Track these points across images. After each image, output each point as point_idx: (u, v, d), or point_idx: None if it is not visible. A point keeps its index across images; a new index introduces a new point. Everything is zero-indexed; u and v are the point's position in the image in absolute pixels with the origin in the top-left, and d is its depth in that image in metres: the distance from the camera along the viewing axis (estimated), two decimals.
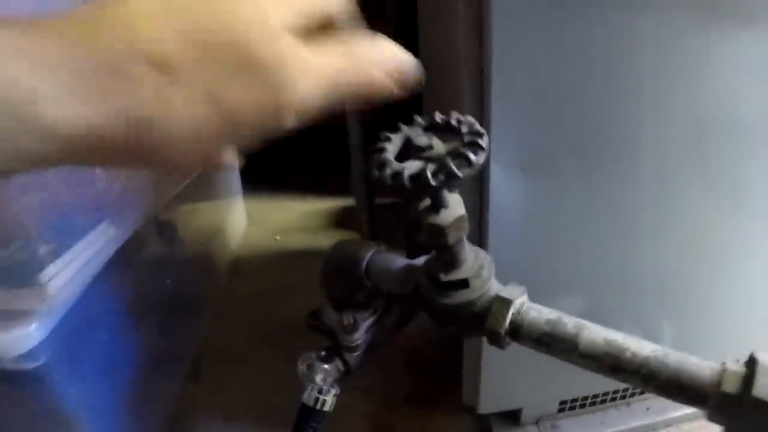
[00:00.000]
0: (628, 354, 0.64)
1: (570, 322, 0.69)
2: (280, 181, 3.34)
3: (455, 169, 0.58)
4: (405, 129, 0.66)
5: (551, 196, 1.17)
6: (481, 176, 1.10)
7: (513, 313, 0.72)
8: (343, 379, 0.97)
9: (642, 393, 1.58)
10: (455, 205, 0.68)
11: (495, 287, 0.74)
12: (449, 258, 0.71)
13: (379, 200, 2.53)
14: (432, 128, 0.66)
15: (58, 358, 1.21)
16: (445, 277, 0.71)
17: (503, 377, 1.40)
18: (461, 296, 0.72)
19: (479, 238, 1.16)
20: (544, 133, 1.12)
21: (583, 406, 1.55)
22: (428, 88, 0.66)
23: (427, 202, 0.67)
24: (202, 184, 2.49)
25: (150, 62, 0.31)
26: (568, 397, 1.50)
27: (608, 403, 1.58)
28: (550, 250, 1.22)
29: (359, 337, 0.95)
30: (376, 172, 0.60)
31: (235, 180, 2.89)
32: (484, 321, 0.72)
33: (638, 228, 1.27)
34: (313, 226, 2.86)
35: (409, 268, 0.83)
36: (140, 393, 1.59)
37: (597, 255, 1.27)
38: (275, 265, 2.59)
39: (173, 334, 1.96)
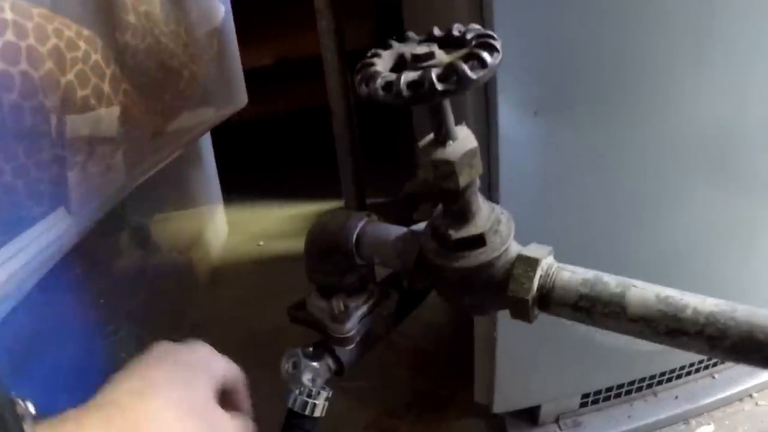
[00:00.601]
0: (688, 312, 0.53)
1: (612, 281, 0.57)
2: (261, 187, 3.26)
3: (468, 71, 0.44)
4: (397, 45, 0.52)
5: (568, 144, 1.05)
6: (489, 121, 0.97)
7: (541, 276, 0.59)
8: (335, 380, 0.84)
9: (669, 381, 1.47)
10: (465, 137, 0.54)
11: (515, 248, 0.61)
12: (460, 208, 0.58)
13: (370, 200, 2.42)
14: (429, 42, 0.52)
15: (12, 366, 1.13)
16: (456, 234, 0.58)
17: (520, 371, 1.28)
18: (477, 257, 0.59)
19: (488, 192, 1.03)
20: (559, 74, 1.00)
21: (607, 398, 1.43)
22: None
23: (430, 136, 0.55)
24: (180, 192, 2.42)
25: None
26: (591, 389, 1.39)
27: (634, 395, 1.46)
28: (565, 206, 1.10)
29: (352, 327, 0.81)
30: (363, 88, 0.48)
31: (214, 187, 2.81)
32: (505, 288, 0.59)
33: (660, 187, 1.14)
34: (296, 231, 2.74)
35: (410, 234, 0.69)
36: None
37: (617, 212, 1.16)
38: (257, 272, 2.51)
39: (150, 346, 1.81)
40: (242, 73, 2.21)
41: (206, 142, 2.64)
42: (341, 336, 0.80)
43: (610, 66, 1.02)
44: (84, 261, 1.45)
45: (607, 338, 1.26)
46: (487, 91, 0.96)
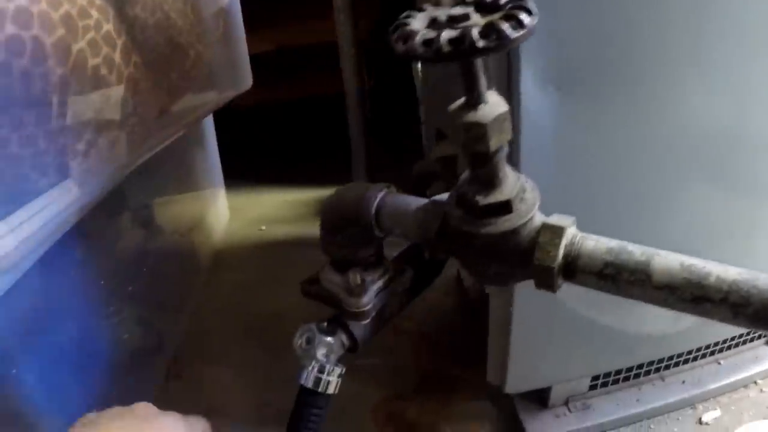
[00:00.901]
0: (711, 279, 0.53)
1: (637, 249, 0.57)
2: (263, 173, 3.23)
3: (508, 29, 0.44)
4: (430, 8, 0.52)
5: (589, 120, 1.04)
6: (511, 95, 0.96)
7: (566, 244, 0.59)
8: (348, 357, 0.83)
9: (677, 365, 1.46)
10: (496, 102, 0.53)
11: (540, 218, 0.60)
12: (488, 174, 0.57)
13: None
14: (464, 5, 0.51)
15: (13, 345, 1.11)
16: (483, 200, 0.58)
17: (533, 351, 1.28)
18: (503, 224, 0.59)
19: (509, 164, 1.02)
20: (582, 51, 0.98)
21: (616, 381, 1.43)
22: None
23: (461, 100, 0.54)
24: (182, 175, 2.40)
25: None
26: (601, 371, 1.38)
27: (642, 378, 1.46)
28: (577, 186, 1.08)
29: (368, 301, 0.80)
30: (400, 45, 0.49)
31: (216, 171, 2.79)
32: (531, 256, 0.59)
33: (660, 182, 1.14)
34: (299, 216, 2.76)
35: (432, 204, 0.68)
36: (115, 392, 1.46)
37: (618, 203, 1.14)
38: (259, 257, 2.49)
39: (152, 328, 1.85)
40: (247, 56, 2.19)
41: (209, 127, 2.63)
42: (357, 310, 0.79)
43: (630, 50, 1.00)
44: (86, 242, 1.44)
45: (616, 321, 1.28)
46: (510, 65, 0.95)
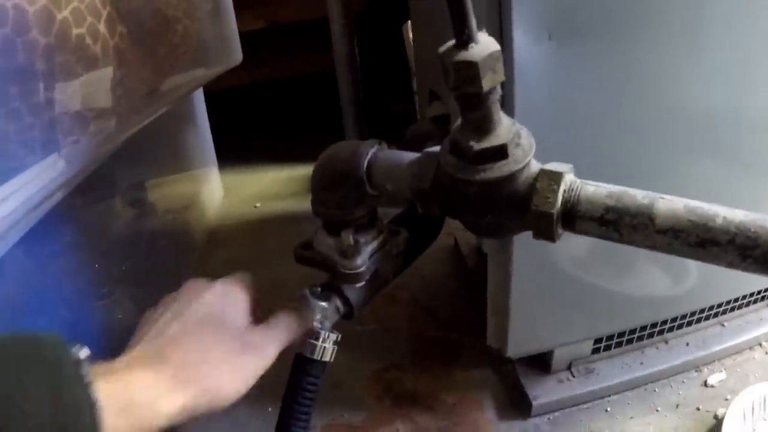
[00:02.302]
0: (718, 221, 0.51)
1: (639, 193, 0.56)
2: (256, 151, 3.22)
3: None
4: None
5: (586, 75, 1.00)
6: (503, 44, 0.93)
7: (565, 190, 0.57)
8: (343, 325, 0.81)
9: (680, 328, 1.45)
10: (487, 41, 0.52)
11: (537, 165, 0.58)
12: (481, 118, 0.55)
13: None
14: None
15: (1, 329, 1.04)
16: (477, 145, 0.56)
17: (533, 313, 1.25)
18: (499, 169, 0.57)
19: None
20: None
21: (619, 345, 1.41)
22: None
23: (451, 42, 0.52)
24: (174, 155, 2.39)
25: (197, 364, 0.57)
26: (604, 333, 1.36)
27: (645, 341, 1.44)
28: (582, 140, 1.05)
29: (362, 262, 0.78)
30: None
31: (208, 150, 2.75)
32: (528, 203, 0.57)
33: (679, 119, 1.10)
34: (293, 192, 2.75)
35: (425, 156, 0.66)
36: None
37: (635, 158, 1.11)
38: (254, 233, 2.46)
39: (146, 309, 1.79)
40: (237, 30, 2.16)
41: (200, 105, 2.60)
42: (351, 272, 0.77)
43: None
44: (77, 224, 1.44)
45: (617, 280, 1.26)
46: (501, 14, 0.92)
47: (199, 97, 2.58)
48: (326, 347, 0.78)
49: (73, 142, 1.10)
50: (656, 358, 1.43)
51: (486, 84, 0.51)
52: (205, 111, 2.65)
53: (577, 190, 0.56)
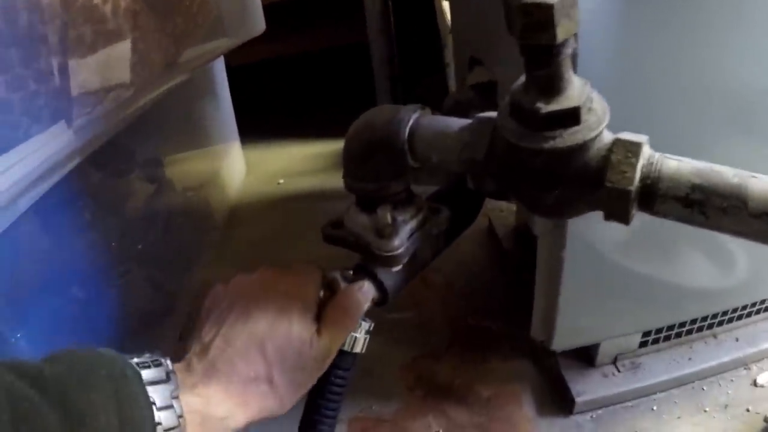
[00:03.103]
0: None
1: (728, 171, 0.48)
2: (280, 127, 3.20)
3: None
4: None
5: (651, 32, 0.91)
6: None
7: (644, 164, 0.48)
8: (375, 311, 0.74)
9: (730, 322, 1.39)
10: None
11: (609, 134, 0.51)
12: (551, 76, 0.48)
13: None
14: None
15: (18, 308, 1.08)
16: (545, 108, 0.48)
17: (584, 303, 1.18)
18: (570, 137, 0.49)
19: None
20: None
21: (667, 338, 1.35)
22: None
23: None
24: (195, 130, 2.36)
25: (261, 380, 0.59)
26: (653, 326, 1.29)
27: (694, 335, 1.38)
28: (639, 105, 0.96)
29: (400, 243, 0.71)
30: None
31: (230, 125, 2.73)
32: (601, 179, 0.49)
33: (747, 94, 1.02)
34: (319, 169, 2.72)
35: (478, 122, 0.58)
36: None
37: (693, 121, 1.02)
38: (277, 211, 2.43)
39: (164, 288, 1.79)
40: None
41: (221, 79, 2.57)
42: (388, 254, 0.70)
43: None
44: (94, 201, 1.41)
45: (668, 270, 1.19)
46: None
47: (220, 69, 2.54)
48: (357, 337, 0.71)
49: (82, 111, 1.04)
50: (705, 353, 1.37)
51: (560, 34, 0.43)
52: (227, 84, 2.62)
53: (657, 164, 0.49)
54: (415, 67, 2.75)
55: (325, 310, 0.67)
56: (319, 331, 0.65)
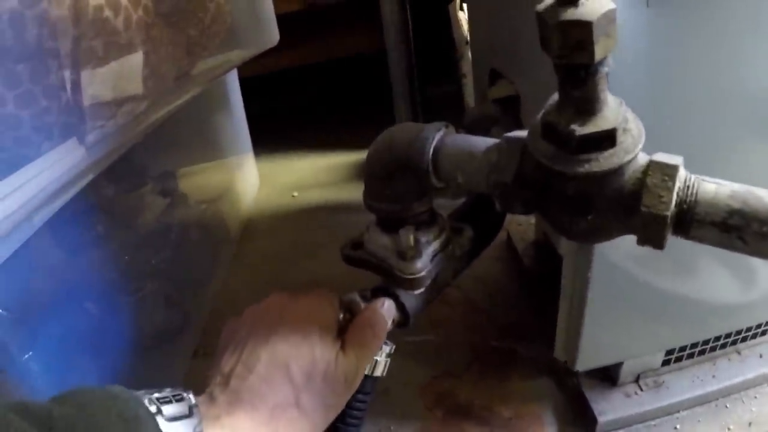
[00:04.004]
0: None
1: (765, 194, 0.46)
2: (295, 138, 3.19)
3: None
4: None
5: (680, 44, 0.89)
6: None
7: (680, 188, 0.46)
8: (396, 333, 0.72)
9: (754, 338, 1.36)
10: None
11: (643, 156, 0.49)
12: (587, 95, 0.46)
13: None
14: None
15: (29, 325, 1.07)
16: (581, 130, 0.46)
17: (609, 323, 1.15)
18: (606, 160, 0.48)
19: None
20: None
21: (690, 356, 1.32)
22: None
23: None
24: (208, 143, 2.36)
25: (288, 405, 0.57)
26: (676, 345, 1.27)
27: (717, 352, 1.35)
28: (670, 118, 0.93)
29: (423, 266, 0.69)
30: None
31: (243, 137, 2.71)
32: (635, 203, 0.47)
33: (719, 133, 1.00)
34: (334, 181, 2.70)
35: (507, 143, 0.56)
36: (140, 373, 1.39)
37: (723, 133, 0.99)
38: (292, 224, 2.41)
39: (176, 303, 1.76)
40: (272, 8, 2.08)
41: (234, 90, 2.56)
42: (411, 277, 0.69)
43: None
44: (106, 216, 1.41)
45: (692, 288, 1.17)
46: None
47: (233, 81, 2.53)
48: (378, 361, 0.70)
49: (99, 127, 1.03)
50: (728, 370, 1.34)
51: (599, 52, 0.42)
52: (240, 96, 2.61)
53: (694, 188, 0.47)
54: (428, 77, 2.74)
55: (348, 331, 0.66)
56: (344, 351, 0.63)
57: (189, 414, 0.51)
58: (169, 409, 0.50)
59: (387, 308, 0.70)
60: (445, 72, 2.52)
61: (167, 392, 0.52)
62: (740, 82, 0.93)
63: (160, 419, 0.49)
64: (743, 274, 1.21)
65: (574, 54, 0.41)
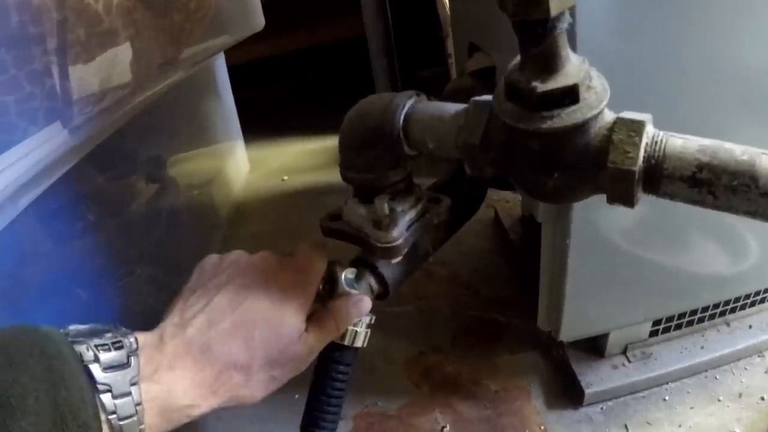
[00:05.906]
0: None
1: (736, 148, 0.46)
2: (284, 122, 3.23)
3: None
4: None
5: (654, 6, 0.88)
6: None
7: (647, 143, 0.47)
8: (377, 304, 0.73)
9: (743, 309, 1.36)
10: None
11: (610, 113, 0.49)
12: (547, 53, 0.46)
13: None
14: None
15: (17, 311, 1.03)
16: (542, 86, 0.46)
17: (590, 293, 1.15)
18: (569, 116, 0.47)
19: None
20: None
21: (678, 327, 1.32)
22: None
23: None
24: (198, 129, 2.35)
25: (239, 369, 0.57)
26: (663, 315, 1.27)
27: (706, 323, 1.35)
28: (638, 86, 0.93)
29: (399, 234, 0.69)
30: None
31: (233, 123, 2.75)
32: (602, 160, 0.47)
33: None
34: (322, 164, 2.73)
35: (474, 106, 0.56)
36: None
37: (694, 104, 0.99)
38: (281, 207, 2.43)
39: (168, 290, 1.75)
40: None
41: (222, 77, 2.58)
42: (386, 245, 0.69)
43: None
44: (95, 201, 1.40)
45: (679, 257, 1.17)
46: None
47: (221, 67, 2.54)
48: (358, 332, 0.70)
49: (78, 111, 1.02)
50: (717, 341, 1.34)
51: (554, 7, 0.41)
52: (228, 82, 2.63)
53: (662, 143, 0.47)
54: (416, 60, 2.74)
55: (315, 315, 0.66)
56: (306, 331, 0.63)
57: (126, 363, 0.49)
58: (105, 357, 0.48)
59: (362, 305, 0.70)
60: (433, 53, 2.52)
61: (107, 339, 0.50)
62: (719, 49, 0.93)
63: (96, 368, 0.47)
64: (732, 244, 1.21)
65: (529, 9, 0.41)
